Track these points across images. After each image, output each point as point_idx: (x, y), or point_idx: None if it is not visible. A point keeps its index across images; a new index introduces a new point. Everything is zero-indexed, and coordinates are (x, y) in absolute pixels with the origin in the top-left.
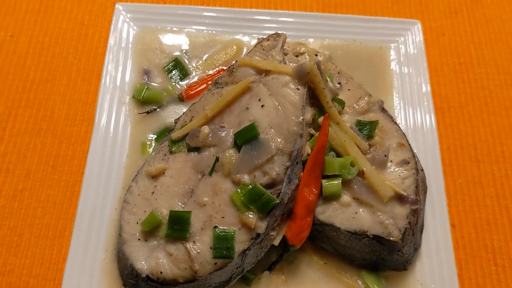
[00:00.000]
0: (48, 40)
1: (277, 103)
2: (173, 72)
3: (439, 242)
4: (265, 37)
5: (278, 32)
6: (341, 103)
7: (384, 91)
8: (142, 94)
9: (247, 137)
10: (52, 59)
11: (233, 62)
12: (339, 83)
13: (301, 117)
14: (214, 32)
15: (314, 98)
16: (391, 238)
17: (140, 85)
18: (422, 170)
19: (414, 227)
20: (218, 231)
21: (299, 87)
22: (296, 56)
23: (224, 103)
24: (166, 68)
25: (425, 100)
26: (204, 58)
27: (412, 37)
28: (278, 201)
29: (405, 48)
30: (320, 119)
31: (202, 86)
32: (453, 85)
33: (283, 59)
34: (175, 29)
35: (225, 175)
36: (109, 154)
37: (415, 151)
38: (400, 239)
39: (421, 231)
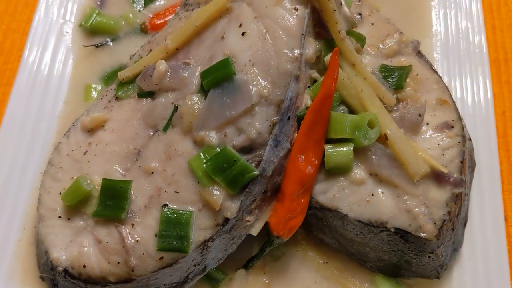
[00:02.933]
0: None
1: (264, 30)
2: None
3: (488, 241)
4: None
5: None
6: (360, 39)
7: (420, 32)
8: (91, 21)
9: (217, 78)
10: None
11: None
12: (360, 14)
13: (298, 51)
14: None
15: (320, 26)
16: (422, 234)
17: (90, 8)
18: (470, 139)
19: (455, 219)
20: (167, 212)
21: (297, 6)
22: None
23: (192, 30)
24: None
25: (475, 48)
26: None
27: None
28: (257, 172)
29: None
30: (328, 57)
31: (173, 15)
32: None
33: None
34: None
35: (184, 132)
36: (39, 99)
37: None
38: (435, 236)
39: (464, 225)
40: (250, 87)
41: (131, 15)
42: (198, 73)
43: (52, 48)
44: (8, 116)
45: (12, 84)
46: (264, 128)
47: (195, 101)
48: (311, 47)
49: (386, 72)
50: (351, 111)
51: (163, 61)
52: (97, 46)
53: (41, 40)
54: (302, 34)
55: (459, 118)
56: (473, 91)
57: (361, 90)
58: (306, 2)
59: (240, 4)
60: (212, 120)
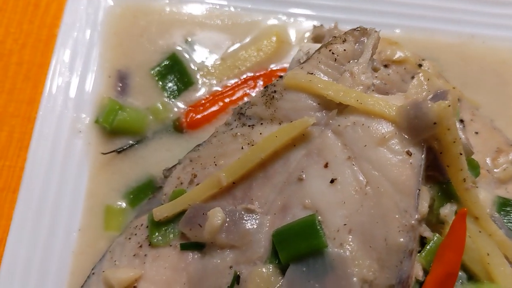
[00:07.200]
0: None
1: (363, 180)
2: (168, 78)
3: None
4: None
5: (364, 27)
6: (475, 167)
7: None
8: (112, 118)
9: (300, 250)
10: None
11: (276, 79)
12: (462, 121)
13: (416, 216)
14: (239, 10)
15: (435, 169)
16: None
17: (108, 100)
18: None
19: None
20: None
21: (411, 150)
22: (385, 66)
23: (256, 162)
24: (155, 70)
25: None
26: (221, 56)
27: None
28: None
29: None
30: (446, 212)
31: (215, 107)
32: None
33: (373, 82)
34: (173, 4)
35: None
36: (47, 229)
37: None
38: None
39: None
40: (349, 268)
41: (160, 106)
42: (267, 227)
43: (62, 154)
44: (8, 255)
45: (11, 213)
46: None
47: (267, 278)
48: (426, 200)
49: (505, 211)
50: (470, 276)
51: (219, 209)
52: (118, 152)
53: (46, 144)
54: (418, 190)
55: None
56: None
57: (488, 254)
58: (421, 143)
59: (322, 131)
60: None
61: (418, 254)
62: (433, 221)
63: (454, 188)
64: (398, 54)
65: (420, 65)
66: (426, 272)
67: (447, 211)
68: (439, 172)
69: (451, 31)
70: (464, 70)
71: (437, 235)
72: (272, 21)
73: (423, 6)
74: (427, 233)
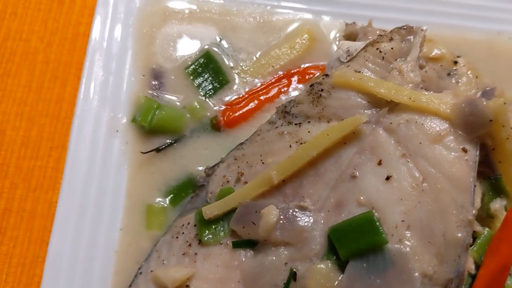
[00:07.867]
0: (1, 9)
1: (421, 177)
2: (203, 76)
3: None
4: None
5: (410, 25)
6: None
7: None
8: (150, 117)
9: (360, 247)
10: (6, 41)
11: (321, 77)
12: None
13: (473, 211)
14: (269, 7)
15: (486, 166)
16: None
17: (145, 99)
18: None
19: None
20: None
21: (466, 146)
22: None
23: (307, 160)
24: (190, 69)
25: None
26: (254, 54)
27: None
28: None
29: None
30: (496, 206)
31: (251, 105)
32: None
33: (421, 80)
34: (204, 2)
35: None
36: (89, 229)
37: None
38: None
39: None
40: (410, 263)
41: (197, 105)
42: (321, 224)
43: (101, 155)
44: (52, 256)
45: (45, 213)
46: None
47: (326, 274)
48: (478, 196)
49: None
50: None
51: (273, 206)
52: (158, 151)
53: (85, 145)
54: (474, 186)
55: None
56: None
57: None
58: (475, 140)
59: (373, 129)
60: None
61: (470, 248)
62: (483, 215)
63: (505, 183)
64: (435, 52)
65: (455, 62)
66: (477, 265)
67: (498, 205)
68: (490, 168)
69: (478, 28)
70: (493, 66)
71: (487, 229)
72: (303, 19)
73: (449, 4)
74: (477, 227)
